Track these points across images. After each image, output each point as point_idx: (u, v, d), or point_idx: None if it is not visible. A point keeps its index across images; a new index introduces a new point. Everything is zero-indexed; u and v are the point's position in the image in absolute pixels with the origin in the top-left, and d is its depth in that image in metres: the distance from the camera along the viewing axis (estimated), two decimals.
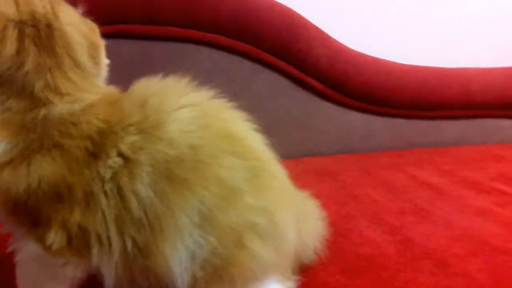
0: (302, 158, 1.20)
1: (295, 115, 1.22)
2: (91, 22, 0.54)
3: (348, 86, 1.23)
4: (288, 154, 1.19)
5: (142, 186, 0.45)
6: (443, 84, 1.32)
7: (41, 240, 0.46)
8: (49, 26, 0.47)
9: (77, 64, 0.49)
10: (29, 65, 0.46)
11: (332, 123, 1.26)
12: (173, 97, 0.50)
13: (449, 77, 1.33)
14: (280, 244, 0.51)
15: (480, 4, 1.43)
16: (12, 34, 0.45)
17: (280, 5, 1.15)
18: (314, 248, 0.61)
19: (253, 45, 1.12)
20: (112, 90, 0.53)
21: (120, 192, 0.46)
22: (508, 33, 1.45)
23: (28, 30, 0.46)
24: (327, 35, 1.20)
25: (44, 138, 0.45)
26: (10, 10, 0.46)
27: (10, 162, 0.45)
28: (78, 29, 0.50)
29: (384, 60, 1.27)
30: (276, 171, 0.54)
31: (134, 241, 0.46)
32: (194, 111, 0.50)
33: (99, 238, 0.46)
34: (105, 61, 0.54)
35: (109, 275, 0.48)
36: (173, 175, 0.46)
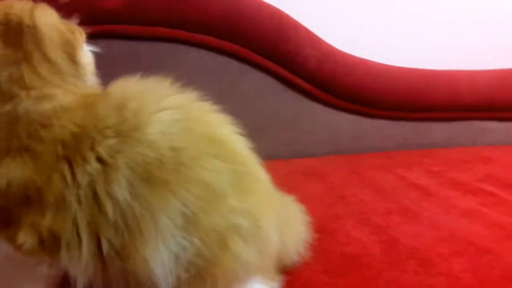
0: (291, 159, 1.20)
1: (283, 115, 1.22)
2: (74, 25, 0.53)
3: (337, 87, 1.23)
4: (277, 155, 1.20)
5: (119, 189, 0.45)
6: (431, 86, 1.33)
7: (11, 240, 0.46)
8: (19, 24, 0.48)
9: (46, 59, 0.48)
10: None
11: (321, 124, 1.26)
12: (154, 100, 0.50)
13: (437, 79, 1.34)
14: (263, 246, 0.51)
15: (468, 7, 1.44)
16: None
17: (269, 6, 1.15)
18: (297, 251, 0.61)
19: (241, 46, 1.12)
20: (92, 90, 0.52)
21: (95, 196, 0.45)
22: (496, 35, 1.47)
23: None
24: (316, 36, 1.21)
25: (12, 138, 0.45)
26: None
27: None
28: (53, 28, 0.50)
29: (372, 61, 1.28)
30: (259, 175, 0.54)
31: (111, 244, 0.45)
32: (176, 113, 0.49)
33: (68, 241, 0.45)
34: (85, 62, 0.53)
35: (79, 277, 0.47)
36: (153, 177, 0.45)
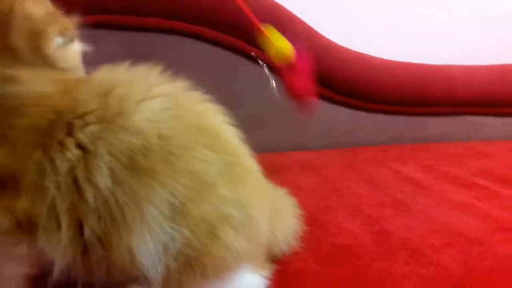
0: (287, 152, 1.21)
1: (279, 108, 1.22)
2: (60, 18, 0.52)
3: (334, 80, 1.23)
4: (273, 148, 1.21)
5: (100, 177, 0.44)
6: (427, 81, 1.33)
7: None
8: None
9: (10, 47, 0.47)
10: None
11: (317, 118, 1.26)
12: (142, 87, 0.49)
13: (433, 73, 1.35)
14: (253, 236, 0.51)
15: (465, 2, 1.44)
16: None
17: None
18: (287, 243, 0.61)
19: (237, 37, 1.12)
20: (72, 77, 0.51)
21: (75, 183, 0.44)
22: (493, 31, 1.47)
23: None
24: (312, 29, 1.21)
25: None
26: None
27: None
28: (27, 18, 0.49)
29: (369, 55, 1.28)
30: (251, 166, 0.54)
31: (93, 231, 0.44)
32: (165, 102, 0.48)
33: (46, 226, 0.45)
34: (57, 54, 0.51)
35: (57, 261, 0.46)
36: (138, 165, 0.45)
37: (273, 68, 0.82)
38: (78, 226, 0.44)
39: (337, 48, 1.24)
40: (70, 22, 0.53)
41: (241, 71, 1.16)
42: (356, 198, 0.88)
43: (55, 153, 0.44)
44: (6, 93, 0.45)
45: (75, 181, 0.44)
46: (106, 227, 0.44)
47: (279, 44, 0.78)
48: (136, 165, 0.45)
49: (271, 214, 0.57)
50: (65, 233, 0.44)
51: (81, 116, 0.45)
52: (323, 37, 1.22)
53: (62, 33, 0.52)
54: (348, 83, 1.25)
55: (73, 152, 0.44)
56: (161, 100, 0.48)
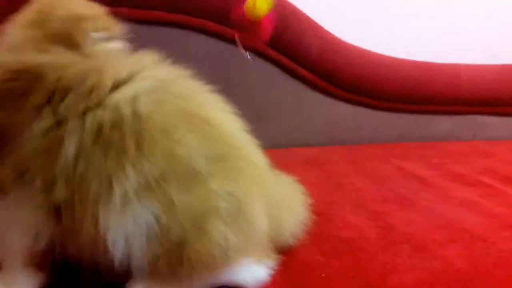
0: (290, 148, 1.21)
1: (284, 104, 1.22)
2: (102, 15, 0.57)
3: (338, 77, 1.23)
4: (276, 143, 1.20)
5: (69, 146, 0.45)
6: (432, 79, 1.33)
7: None
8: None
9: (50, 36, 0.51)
10: None
11: (321, 114, 1.26)
12: (132, 69, 0.49)
13: (438, 71, 1.34)
14: (248, 231, 0.49)
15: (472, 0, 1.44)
16: None
17: None
18: (293, 233, 0.61)
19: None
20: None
21: (48, 150, 0.45)
22: (498, 30, 1.46)
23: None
24: (317, 25, 1.21)
25: None
26: None
27: None
28: (63, 16, 0.52)
29: (374, 52, 1.28)
30: (252, 159, 0.53)
31: (60, 196, 0.45)
32: (151, 85, 0.48)
33: (22, 177, 0.46)
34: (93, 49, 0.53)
35: (33, 220, 0.47)
36: (107, 140, 0.45)
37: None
38: (49, 188, 0.45)
39: (342, 44, 1.24)
40: (112, 22, 0.57)
41: (245, 66, 1.16)
42: (360, 193, 0.88)
43: (34, 118, 0.45)
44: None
45: (48, 145, 0.45)
46: (72, 195, 0.45)
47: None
48: (105, 140, 0.45)
49: (277, 205, 0.56)
50: (38, 192, 0.46)
51: (65, 87, 0.46)
52: (328, 32, 1.22)
53: (100, 30, 0.54)
54: (352, 80, 1.25)
55: (48, 119, 0.45)
56: (147, 83, 0.49)
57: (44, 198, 0.46)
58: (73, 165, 0.45)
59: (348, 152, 1.20)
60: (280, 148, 1.18)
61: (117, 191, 0.45)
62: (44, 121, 0.45)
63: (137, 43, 1.03)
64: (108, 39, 0.55)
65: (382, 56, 1.28)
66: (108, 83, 0.47)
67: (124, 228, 0.46)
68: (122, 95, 0.47)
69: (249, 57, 0.89)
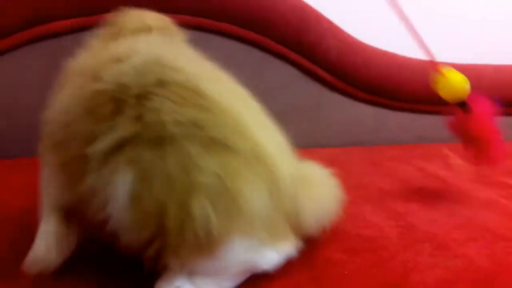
0: (310, 149, 1.21)
1: (304, 105, 1.23)
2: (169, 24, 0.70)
3: (358, 78, 1.24)
4: (296, 145, 1.21)
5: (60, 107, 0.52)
6: None
7: None
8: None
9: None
10: None
11: (342, 115, 1.27)
12: (157, 52, 0.53)
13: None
14: (237, 211, 0.46)
15: (494, 1, 1.42)
16: None
17: None
18: (317, 220, 0.59)
19: (263, 35, 1.13)
20: None
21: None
22: None
23: None
24: (337, 27, 1.21)
25: None
26: None
27: None
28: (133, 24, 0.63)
29: (394, 53, 1.28)
30: (257, 140, 0.50)
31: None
32: (159, 66, 0.50)
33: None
34: None
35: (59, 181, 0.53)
36: (90, 106, 0.48)
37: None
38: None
39: (361, 46, 1.25)
40: (177, 30, 0.69)
41: (267, 68, 1.18)
42: (380, 193, 0.89)
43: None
44: None
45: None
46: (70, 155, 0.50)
47: (455, 78, 0.77)
48: (90, 106, 0.49)
49: (293, 189, 0.53)
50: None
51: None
52: (348, 34, 1.23)
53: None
54: (372, 81, 1.26)
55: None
56: (143, 57, 0.51)
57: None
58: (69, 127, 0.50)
59: (368, 153, 1.21)
60: (300, 148, 1.18)
61: (97, 151, 0.47)
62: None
63: None
64: None
65: (402, 57, 1.29)
66: (120, 60, 0.51)
67: (109, 190, 0.47)
68: (116, 69, 0.50)
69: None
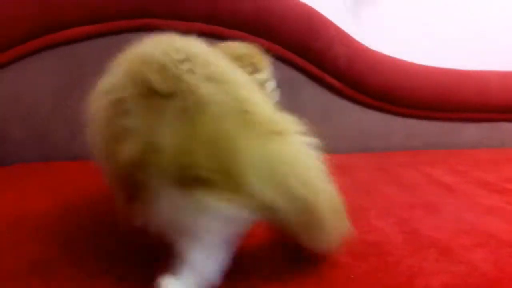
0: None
1: (312, 112, 1.24)
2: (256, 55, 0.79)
3: (366, 85, 1.25)
4: None
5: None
6: (461, 86, 1.33)
7: None
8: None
9: None
10: None
11: (349, 121, 1.28)
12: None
13: (467, 79, 1.34)
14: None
15: (503, 8, 1.43)
16: None
17: (300, 3, 1.18)
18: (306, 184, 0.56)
19: (272, 42, 1.15)
20: None
21: None
22: None
23: None
24: (346, 34, 1.23)
25: None
26: None
27: None
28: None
29: (402, 60, 1.29)
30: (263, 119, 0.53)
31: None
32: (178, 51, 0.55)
33: None
34: None
35: None
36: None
37: None
38: None
39: (369, 53, 1.26)
40: (262, 59, 0.79)
41: (275, 75, 1.19)
42: (387, 199, 0.90)
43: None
44: None
45: None
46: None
47: None
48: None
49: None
50: None
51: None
52: (356, 41, 1.24)
53: (251, 67, 0.74)
54: (380, 87, 1.27)
55: None
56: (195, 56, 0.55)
57: None
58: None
59: (376, 159, 1.22)
60: None
61: None
62: None
63: None
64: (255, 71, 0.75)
65: (410, 63, 1.29)
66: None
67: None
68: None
69: None
